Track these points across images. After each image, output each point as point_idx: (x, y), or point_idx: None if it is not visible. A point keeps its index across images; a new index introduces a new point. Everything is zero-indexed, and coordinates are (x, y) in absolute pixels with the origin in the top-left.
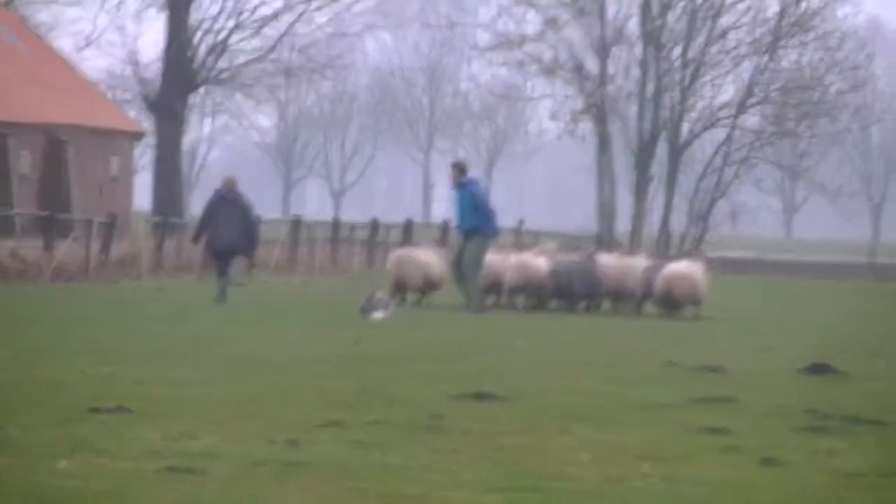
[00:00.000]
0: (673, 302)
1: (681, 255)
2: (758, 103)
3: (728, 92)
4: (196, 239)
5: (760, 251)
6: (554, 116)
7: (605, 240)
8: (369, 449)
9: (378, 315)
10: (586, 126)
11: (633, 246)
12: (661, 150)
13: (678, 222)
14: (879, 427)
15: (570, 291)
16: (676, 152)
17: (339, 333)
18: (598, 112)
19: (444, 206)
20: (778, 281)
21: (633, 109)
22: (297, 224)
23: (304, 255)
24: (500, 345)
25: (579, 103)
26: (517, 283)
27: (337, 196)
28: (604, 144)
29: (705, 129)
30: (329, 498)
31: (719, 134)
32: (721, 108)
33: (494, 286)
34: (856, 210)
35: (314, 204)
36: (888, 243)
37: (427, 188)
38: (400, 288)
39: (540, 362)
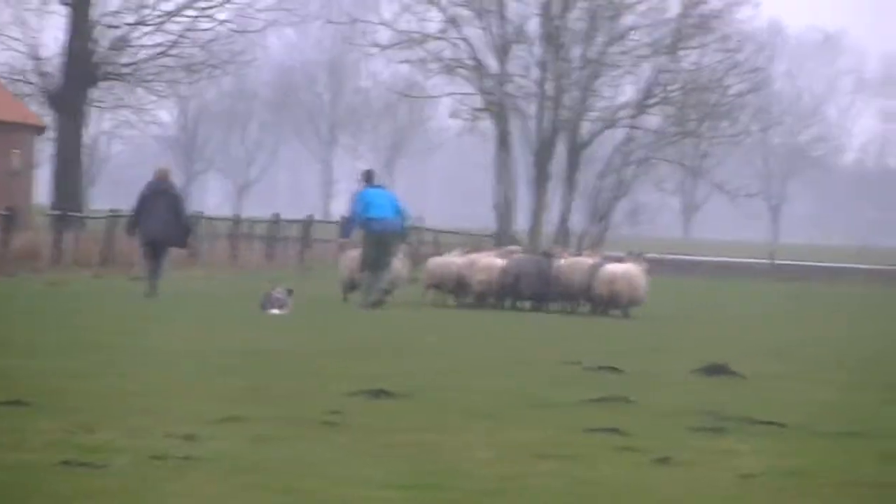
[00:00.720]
0: (612, 302)
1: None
2: (657, 104)
3: (628, 92)
4: (130, 230)
5: (661, 250)
6: (454, 114)
7: (504, 237)
8: (268, 444)
9: (276, 312)
10: (486, 124)
11: (533, 244)
12: (561, 148)
13: (577, 221)
14: (775, 428)
15: (519, 291)
16: (576, 151)
17: (239, 329)
18: (498, 110)
19: (344, 203)
20: (679, 280)
21: (533, 108)
22: (197, 219)
23: (204, 250)
24: (406, 342)
25: (479, 101)
26: (484, 285)
27: (239, 191)
28: (503, 142)
29: (605, 128)
30: (227, 493)
31: (621, 133)
32: (621, 108)
33: (457, 287)
34: (755, 211)
35: (215, 199)
36: (787, 244)
37: (328, 184)
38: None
39: (443, 359)
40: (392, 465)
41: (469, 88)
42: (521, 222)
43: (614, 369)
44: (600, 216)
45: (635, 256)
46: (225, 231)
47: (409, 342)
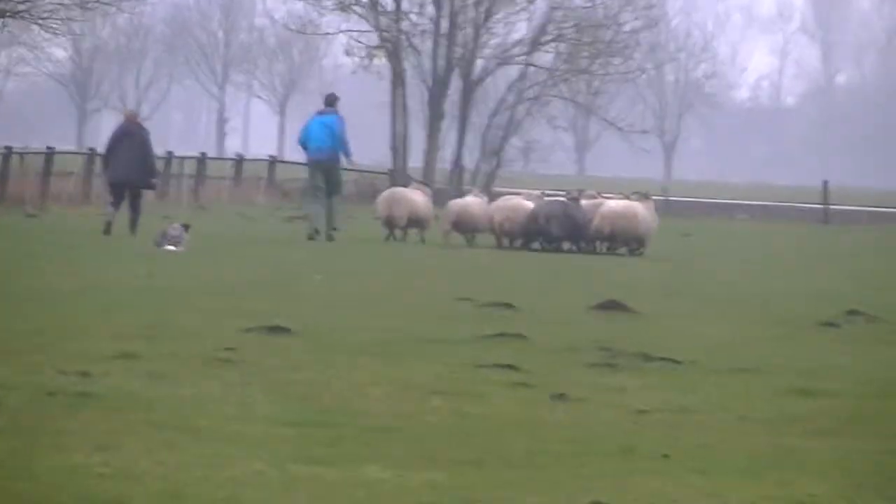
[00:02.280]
0: (612, 239)
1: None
2: (551, 41)
3: (522, 30)
4: (103, 171)
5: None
6: (349, 52)
7: (398, 175)
8: (161, 381)
9: (171, 248)
10: (381, 62)
11: (427, 181)
12: (455, 86)
13: (471, 158)
14: (669, 364)
15: (549, 233)
16: (469, 89)
17: (132, 266)
18: (393, 48)
19: (238, 141)
20: None
21: (428, 46)
22: (91, 156)
23: (98, 187)
24: (297, 279)
25: (374, 39)
26: (509, 227)
27: None
28: (398, 80)
29: (498, 66)
30: (121, 429)
31: (513, 71)
32: (514, 45)
33: (474, 228)
34: (649, 148)
35: (108, 136)
36: (680, 180)
37: (221, 122)
38: (389, 225)
39: (335, 297)
40: (285, 402)
41: (364, 26)
42: (415, 160)
43: (509, 305)
44: (492, 153)
45: (641, 196)
46: None
47: (303, 279)
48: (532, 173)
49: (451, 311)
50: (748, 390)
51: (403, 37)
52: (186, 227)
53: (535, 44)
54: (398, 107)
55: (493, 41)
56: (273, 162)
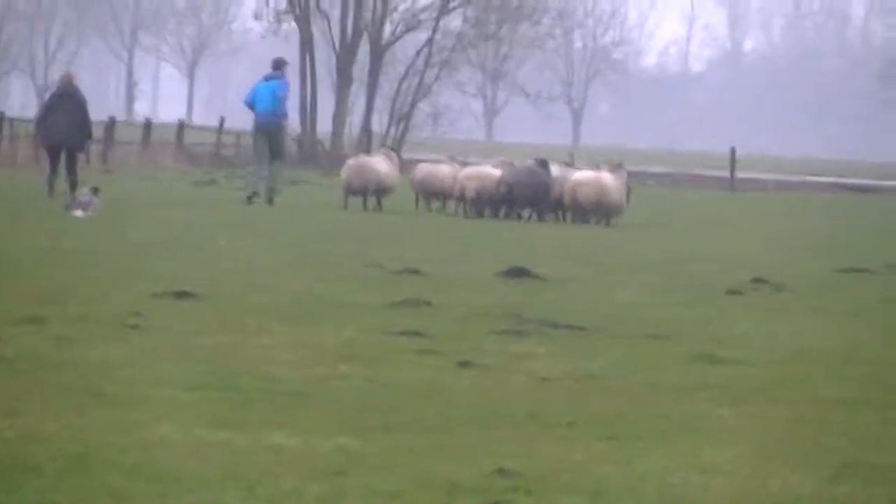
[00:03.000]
0: (577, 209)
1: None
2: (459, 6)
3: None
4: (36, 133)
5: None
6: (258, 15)
7: (307, 140)
8: (70, 345)
9: (79, 213)
10: (290, 26)
11: (336, 146)
12: (364, 51)
13: (380, 123)
14: (575, 331)
15: (513, 200)
16: (378, 54)
17: (40, 230)
18: (302, 12)
19: (147, 105)
20: None
21: (336, 10)
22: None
23: (6, 150)
24: (203, 243)
25: (283, 3)
26: (476, 193)
27: (41, 92)
28: (307, 45)
29: (407, 31)
30: (29, 393)
31: (422, 36)
32: (423, 10)
33: (442, 194)
34: (556, 114)
35: (17, 100)
36: (588, 147)
37: (130, 86)
38: (353, 193)
39: (245, 260)
40: (194, 366)
41: None
42: (324, 125)
43: (417, 272)
44: (401, 118)
45: (614, 166)
46: (27, 133)
47: (201, 243)
48: (440, 138)
49: (361, 277)
50: (655, 357)
51: (312, 1)
52: (96, 190)
53: (443, 9)
54: (306, 71)
55: (402, 6)
56: (182, 126)
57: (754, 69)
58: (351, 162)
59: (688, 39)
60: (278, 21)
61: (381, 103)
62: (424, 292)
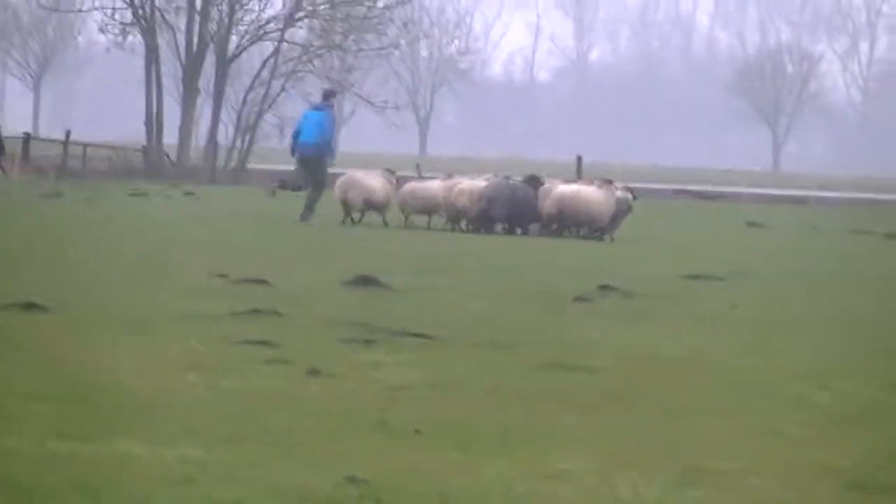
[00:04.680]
0: (560, 222)
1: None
2: (305, 17)
3: (276, 6)
4: None
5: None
6: (103, 29)
7: (153, 152)
8: None
9: None
10: (135, 38)
11: (182, 158)
12: (210, 62)
13: (226, 135)
14: (424, 340)
15: (493, 215)
16: (224, 65)
17: None
18: (147, 24)
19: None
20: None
21: (182, 21)
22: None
23: None
24: (52, 255)
25: (128, 16)
26: (465, 209)
27: None
28: (152, 57)
29: (252, 42)
30: None
31: (268, 47)
32: (269, 21)
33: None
34: (403, 123)
35: None
36: (435, 156)
37: None
38: (346, 208)
39: (90, 273)
40: (42, 378)
41: (118, 2)
42: (170, 136)
43: (263, 282)
44: (247, 129)
45: (602, 182)
46: None
47: (50, 255)
48: (287, 149)
49: (206, 287)
50: (503, 365)
51: (157, 13)
52: None
53: (289, 20)
54: (152, 83)
55: (248, 17)
56: (28, 139)
57: (601, 78)
58: (342, 179)
59: (534, 49)
60: (124, 34)
61: (227, 114)
62: (271, 302)
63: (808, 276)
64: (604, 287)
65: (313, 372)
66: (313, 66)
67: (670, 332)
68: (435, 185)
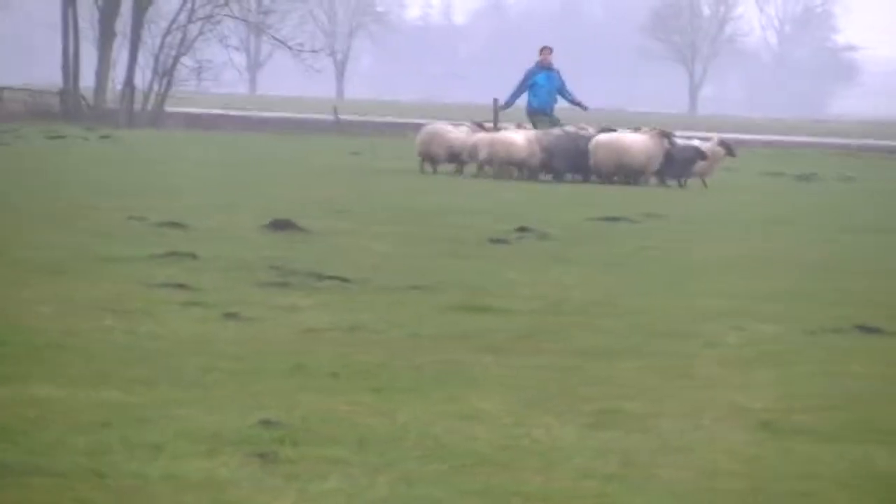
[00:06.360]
0: (598, 171)
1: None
2: None
3: None
4: None
5: (225, 107)
6: None
7: (70, 95)
8: None
9: None
10: None
11: (99, 101)
12: (127, 6)
13: (143, 78)
14: (339, 283)
15: (551, 165)
16: (141, 8)
17: None
18: None
19: None
20: (243, 137)
21: None
22: None
23: None
24: None
25: None
26: (495, 159)
27: None
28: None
29: None
30: None
31: None
32: None
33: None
34: (320, 67)
35: None
36: (352, 100)
37: None
38: (426, 159)
39: (5, 215)
40: None
41: None
42: (87, 80)
43: (180, 225)
44: (164, 73)
45: (650, 130)
46: None
47: None
48: (204, 92)
49: (123, 230)
50: (418, 307)
51: None
52: None
53: None
54: (69, 26)
55: None
56: None
57: (518, 21)
58: (424, 130)
59: None
60: None
61: (144, 58)
62: (188, 245)
63: (722, 218)
64: (520, 229)
65: (230, 315)
66: (230, 9)
67: (585, 274)
68: (455, 133)
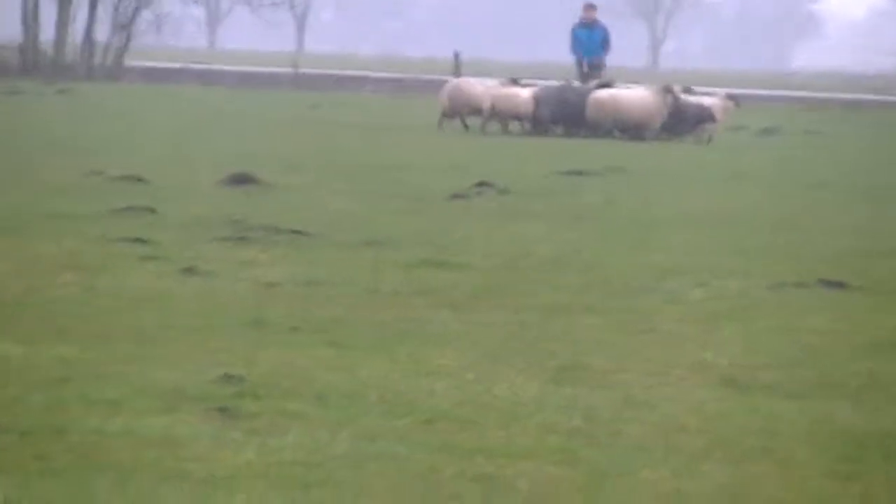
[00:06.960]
0: (597, 126)
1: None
2: None
3: None
4: None
5: (184, 61)
6: None
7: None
8: None
9: None
10: None
11: (58, 55)
12: None
13: (103, 32)
14: (298, 238)
15: (544, 119)
16: None
17: None
18: None
19: None
20: (202, 91)
21: None
22: None
23: None
24: None
25: None
26: (503, 112)
27: None
28: None
29: None
30: None
31: None
32: None
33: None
34: (279, 21)
35: None
36: (313, 53)
37: None
38: (449, 116)
39: None
40: None
41: None
42: (46, 34)
43: (139, 179)
44: (123, 27)
45: (658, 86)
46: None
47: None
48: (164, 46)
49: (81, 186)
50: (379, 263)
51: None
52: None
53: None
54: None
55: None
56: None
57: None
58: (448, 85)
59: None
60: None
61: (103, 12)
62: (146, 199)
63: (684, 173)
64: (480, 184)
65: (188, 270)
66: None
67: (546, 229)
68: (479, 87)
